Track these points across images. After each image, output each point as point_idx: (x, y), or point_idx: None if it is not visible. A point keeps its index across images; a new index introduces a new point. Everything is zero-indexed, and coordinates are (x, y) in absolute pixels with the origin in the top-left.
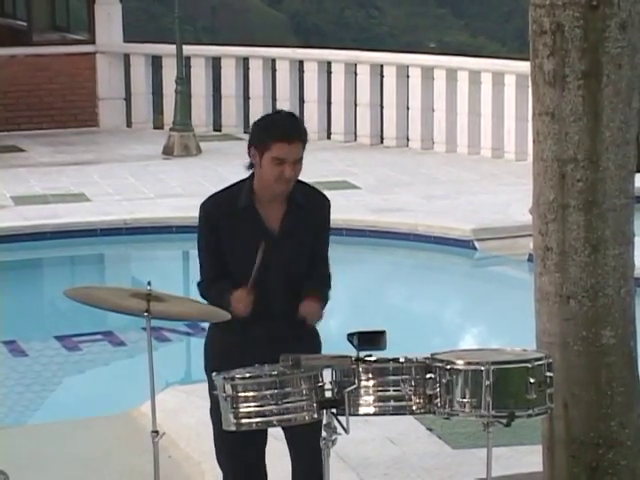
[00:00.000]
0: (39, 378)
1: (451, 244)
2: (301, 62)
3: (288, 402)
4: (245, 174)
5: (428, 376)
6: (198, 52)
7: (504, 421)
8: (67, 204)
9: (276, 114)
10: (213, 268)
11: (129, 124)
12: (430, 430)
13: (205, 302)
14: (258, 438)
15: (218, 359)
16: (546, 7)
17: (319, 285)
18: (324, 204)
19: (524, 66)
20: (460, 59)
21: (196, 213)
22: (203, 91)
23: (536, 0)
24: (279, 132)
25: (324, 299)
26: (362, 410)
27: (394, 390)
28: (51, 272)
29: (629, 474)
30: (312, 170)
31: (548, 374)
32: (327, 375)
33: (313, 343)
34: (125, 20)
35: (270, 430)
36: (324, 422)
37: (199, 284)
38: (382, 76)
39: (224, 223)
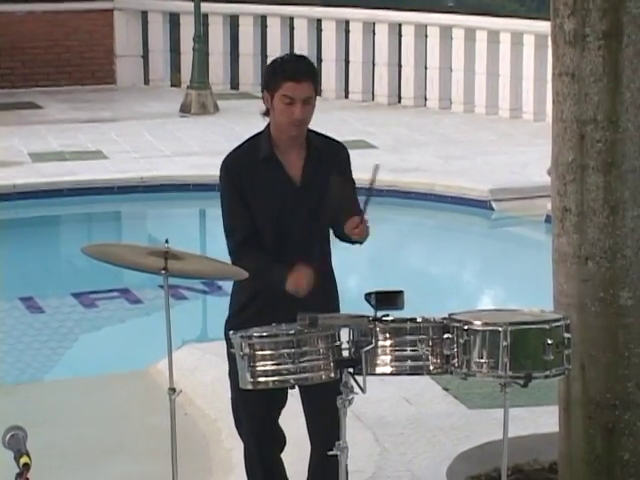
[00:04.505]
0: (55, 335)
1: (468, 204)
2: (319, 21)
3: (305, 361)
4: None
5: (445, 336)
6: (216, 10)
7: (521, 382)
8: (84, 161)
9: (284, 55)
10: (242, 229)
11: (146, 82)
12: (446, 390)
13: (224, 261)
14: (279, 399)
15: (236, 316)
16: None
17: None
18: (341, 150)
19: (543, 26)
20: (478, 18)
21: (213, 171)
22: (221, 49)
23: None
24: (286, 71)
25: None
26: (379, 370)
27: (411, 350)
28: (68, 229)
29: None
30: (329, 129)
31: (566, 335)
32: (344, 334)
33: (331, 295)
34: None
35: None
36: (342, 381)
37: (231, 252)
38: (400, 35)
39: (246, 175)
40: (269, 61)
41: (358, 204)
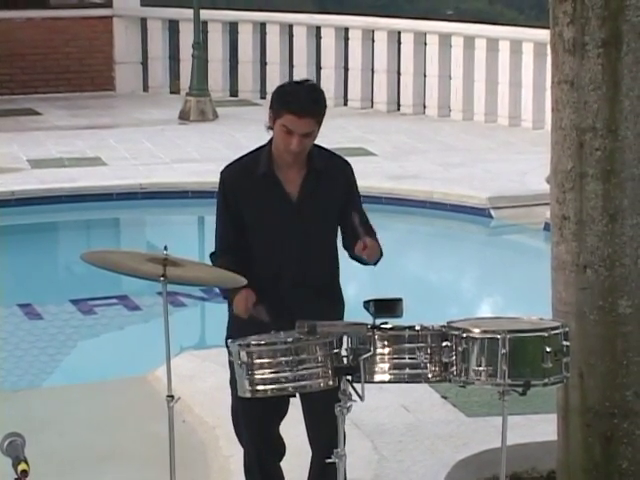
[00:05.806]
0: (54, 341)
1: (467, 212)
2: (318, 28)
3: (303, 369)
4: (262, 139)
5: (444, 344)
6: (215, 17)
7: (520, 390)
8: (83, 168)
9: (298, 84)
10: (226, 238)
11: (145, 88)
12: (445, 398)
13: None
14: (280, 407)
15: (234, 327)
16: None
17: (371, 231)
18: (345, 167)
19: (542, 34)
20: (478, 26)
21: (212, 178)
22: (220, 56)
23: None
24: (291, 104)
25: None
26: (377, 377)
27: (410, 358)
28: (67, 236)
29: None
30: (329, 137)
31: (564, 343)
32: (343, 342)
33: (333, 311)
34: None
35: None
36: (340, 389)
37: (211, 254)
38: (399, 43)
39: (243, 189)
40: (268, 69)
41: (363, 215)
